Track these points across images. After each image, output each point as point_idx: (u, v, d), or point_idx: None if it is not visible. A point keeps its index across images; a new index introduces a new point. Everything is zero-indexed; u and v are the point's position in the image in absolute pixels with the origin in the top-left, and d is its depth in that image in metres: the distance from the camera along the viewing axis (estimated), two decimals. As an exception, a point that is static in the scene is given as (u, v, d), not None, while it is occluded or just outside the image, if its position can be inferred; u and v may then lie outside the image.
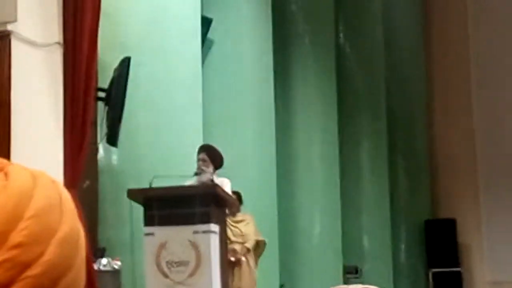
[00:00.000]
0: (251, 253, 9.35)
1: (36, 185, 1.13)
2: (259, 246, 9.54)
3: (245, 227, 9.38)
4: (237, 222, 9.39)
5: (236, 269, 9.14)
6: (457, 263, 16.01)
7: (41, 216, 1.10)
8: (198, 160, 8.39)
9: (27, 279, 1.07)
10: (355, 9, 14.77)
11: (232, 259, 8.63)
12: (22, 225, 1.08)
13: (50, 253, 1.10)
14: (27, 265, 1.07)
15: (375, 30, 15.05)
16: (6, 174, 1.11)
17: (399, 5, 16.56)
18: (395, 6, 16.40)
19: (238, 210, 9.50)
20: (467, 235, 16.39)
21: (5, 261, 1.06)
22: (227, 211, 8.95)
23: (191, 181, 8.10)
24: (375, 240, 14.25)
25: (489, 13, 17.13)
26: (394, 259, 14.80)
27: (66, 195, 1.18)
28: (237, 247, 9.19)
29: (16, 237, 1.07)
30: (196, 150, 8.56)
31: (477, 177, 16.83)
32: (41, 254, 1.09)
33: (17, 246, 1.07)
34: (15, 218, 1.08)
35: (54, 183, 1.17)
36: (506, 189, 16.34)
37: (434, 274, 15.75)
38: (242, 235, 9.31)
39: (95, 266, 7.83)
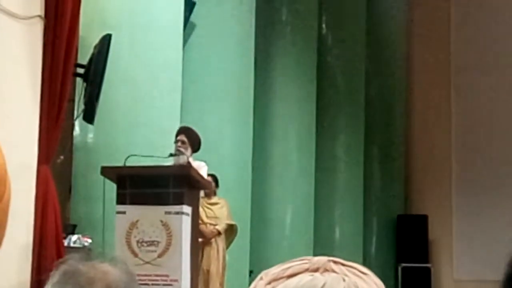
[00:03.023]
0: (222, 236, 9.38)
1: None
2: (231, 231, 9.57)
3: (219, 210, 9.41)
4: (212, 204, 9.43)
5: (205, 251, 9.16)
6: (426, 259, 16.12)
7: None
8: (177, 141, 8.40)
9: None
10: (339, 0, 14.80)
11: (200, 240, 8.65)
12: None
13: None
14: None
15: (357, 22, 15.09)
16: None
17: (383, -1, 16.63)
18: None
19: (214, 193, 9.54)
20: (438, 232, 16.50)
21: None
22: (202, 193, 8.99)
23: (168, 162, 8.10)
24: (347, 232, 14.32)
25: (472, 3, 17.22)
26: (365, 252, 14.88)
27: None
28: (208, 228, 9.21)
29: None
30: (175, 131, 8.57)
31: (451, 175, 16.93)
32: None
33: None
34: None
35: None
36: (479, 189, 16.45)
37: (403, 268, 15.85)
38: (215, 217, 9.34)
39: (65, 242, 7.82)
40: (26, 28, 7.14)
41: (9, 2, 6.95)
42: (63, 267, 1.64)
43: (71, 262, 1.63)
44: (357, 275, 1.18)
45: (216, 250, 9.25)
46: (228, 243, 9.60)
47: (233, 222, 9.54)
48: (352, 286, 1.15)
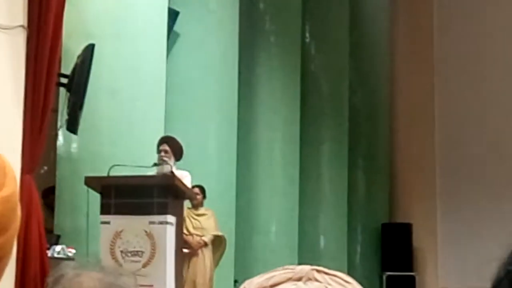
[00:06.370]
0: (209, 247, 9.36)
1: None
2: (220, 243, 9.54)
3: (206, 221, 9.40)
4: (199, 215, 9.41)
5: (191, 262, 9.14)
6: (411, 268, 16.13)
7: None
8: (160, 151, 8.38)
9: None
10: (322, 10, 14.82)
11: (186, 250, 8.62)
12: None
13: None
14: None
15: (341, 32, 15.12)
16: None
17: (366, 9, 16.66)
18: (362, 10, 16.49)
19: (201, 204, 9.53)
20: (422, 240, 16.51)
21: None
22: (189, 204, 8.98)
23: (152, 172, 8.08)
24: (331, 241, 14.31)
25: (455, 10, 17.27)
26: (349, 260, 14.87)
27: (10, 166, 1.20)
28: (194, 239, 9.18)
29: None
30: (158, 141, 8.55)
31: (435, 183, 16.96)
32: None
33: None
34: None
35: (0, 154, 1.20)
36: (463, 196, 16.48)
37: (388, 277, 15.85)
38: (202, 228, 9.32)
39: (49, 253, 7.77)
40: (8, 38, 7.11)
41: (-8, 12, 6.93)
42: (54, 273, 1.63)
43: (61, 269, 1.61)
44: (341, 284, 1.18)
45: (203, 261, 9.23)
46: (219, 255, 9.58)
47: (220, 233, 9.52)
48: (335, 295, 1.15)
